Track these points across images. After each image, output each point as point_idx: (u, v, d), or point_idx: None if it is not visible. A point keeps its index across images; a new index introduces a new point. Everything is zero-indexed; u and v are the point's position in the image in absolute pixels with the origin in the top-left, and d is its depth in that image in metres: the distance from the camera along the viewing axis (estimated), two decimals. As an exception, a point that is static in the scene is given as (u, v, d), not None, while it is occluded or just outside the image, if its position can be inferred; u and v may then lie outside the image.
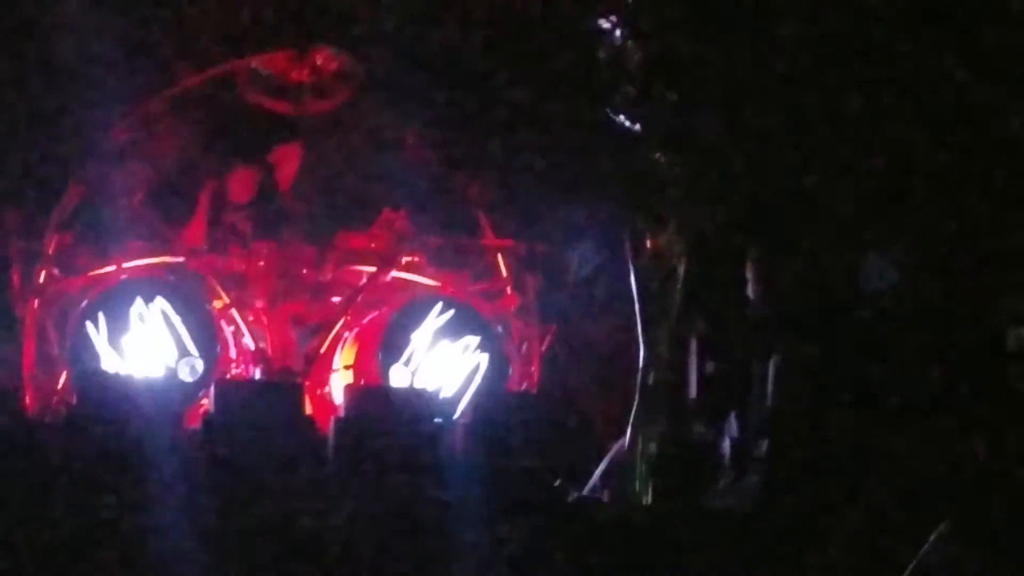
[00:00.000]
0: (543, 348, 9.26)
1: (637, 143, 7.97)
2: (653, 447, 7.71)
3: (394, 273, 9.19)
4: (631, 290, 8.07)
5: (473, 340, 8.84)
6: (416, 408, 7.63)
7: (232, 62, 9.30)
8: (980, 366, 7.52)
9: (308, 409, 8.18)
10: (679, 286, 7.84)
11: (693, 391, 7.88)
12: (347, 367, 8.90)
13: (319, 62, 9.28)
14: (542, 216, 9.57)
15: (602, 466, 7.93)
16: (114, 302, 8.40)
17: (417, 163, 9.53)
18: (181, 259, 8.86)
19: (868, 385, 7.49)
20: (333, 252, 9.18)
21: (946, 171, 7.71)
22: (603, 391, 9.22)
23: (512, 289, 9.36)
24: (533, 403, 8.39)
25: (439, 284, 9.22)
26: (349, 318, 9.02)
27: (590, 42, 8.06)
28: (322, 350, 8.92)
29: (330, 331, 8.96)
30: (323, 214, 9.36)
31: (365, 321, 9.02)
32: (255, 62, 9.31)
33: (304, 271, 9.11)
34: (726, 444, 7.63)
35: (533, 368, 9.19)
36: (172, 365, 8.38)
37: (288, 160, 9.27)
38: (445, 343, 8.80)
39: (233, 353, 8.82)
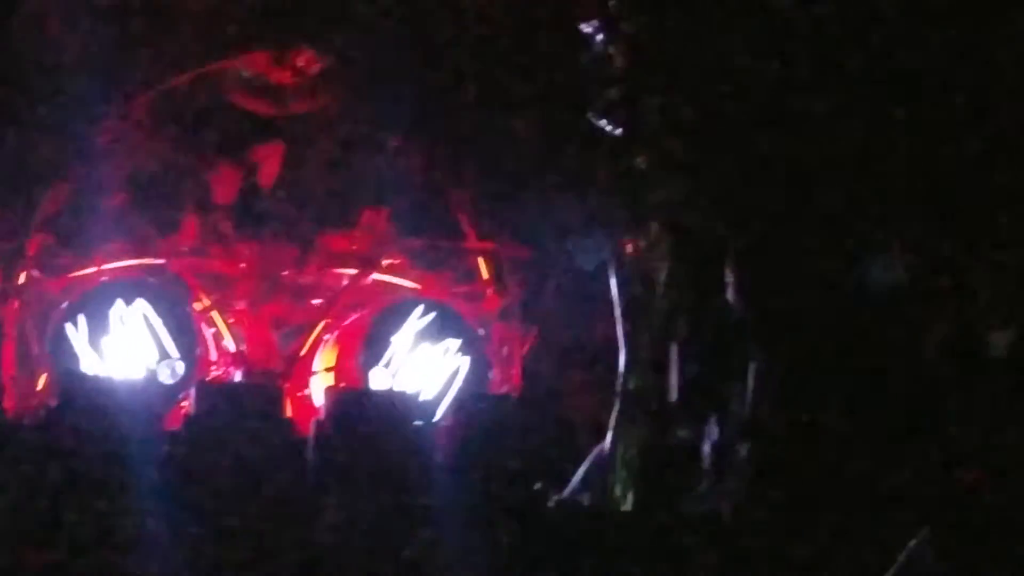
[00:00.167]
0: (524, 351, 9.26)
1: (620, 146, 7.98)
2: (633, 450, 7.72)
3: (375, 275, 9.19)
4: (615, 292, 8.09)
5: (454, 343, 8.84)
6: (396, 410, 7.62)
7: (215, 63, 9.29)
8: (961, 369, 7.55)
9: (288, 411, 8.16)
10: (661, 290, 7.85)
11: (674, 395, 7.89)
12: (328, 369, 8.89)
13: (301, 64, 9.28)
14: (524, 219, 9.56)
15: (583, 469, 7.94)
16: (95, 304, 8.39)
17: (399, 166, 9.52)
18: (162, 261, 8.84)
19: (848, 389, 7.52)
20: (315, 254, 9.17)
21: (929, 175, 7.75)
22: (584, 394, 9.22)
23: (493, 292, 9.36)
24: (514, 406, 8.38)
25: (420, 286, 9.21)
26: (330, 320, 9.01)
27: (574, 46, 8.07)
28: (303, 352, 8.91)
29: (311, 333, 8.96)
30: (305, 216, 9.35)
31: (346, 323, 9.02)
32: (238, 63, 9.30)
33: (285, 273, 9.11)
34: (707, 448, 7.64)
35: (514, 371, 9.19)
36: (152, 367, 8.36)
37: (271, 159, 9.25)
38: (426, 345, 8.79)
39: (214, 355, 8.81)
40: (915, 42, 7.74)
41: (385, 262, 9.23)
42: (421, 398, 8.36)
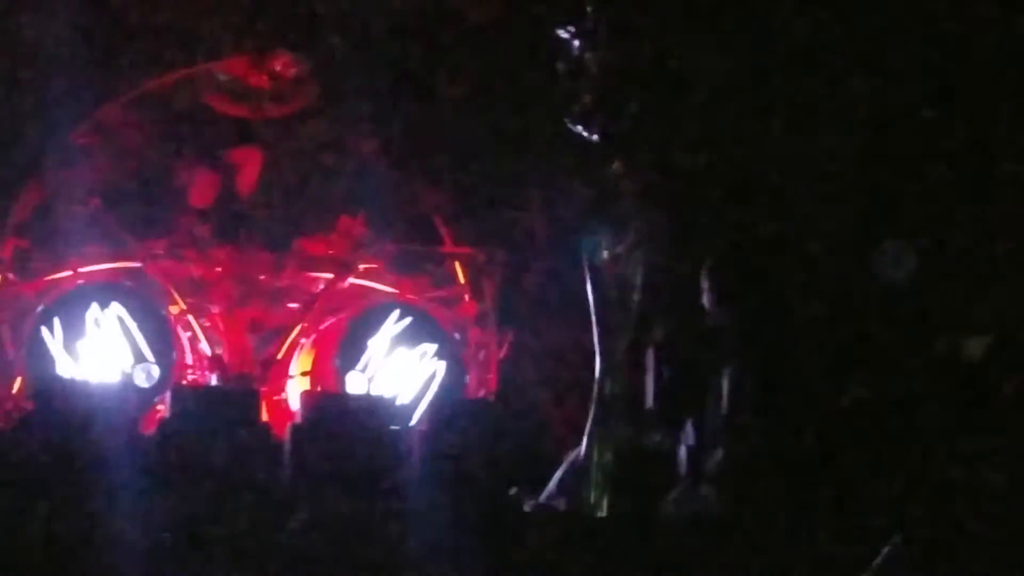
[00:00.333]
0: (500, 355, 9.27)
1: (596, 152, 8.00)
2: (609, 455, 7.74)
3: (352, 280, 9.18)
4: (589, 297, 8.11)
5: (430, 347, 8.85)
6: (373, 415, 7.62)
7: (192, 67, 9.28)
8: (940, 374, 7.59)
9: (264, 415, 8.16)
10: (637, 295, 7.87)
11: (650, 400, 7.91)
12: (304, 373, 8.89)
13: (278, 68, 9.27)
14: (500, 224, 9.59)
15: (558, 474, 7.95)
16: (70, 307, 8.37)
17: (375, 170, 9.53)
18: (138, 264, 8.82)
19: (824, 394, 7.55)
20: (291, 258, 9.17)
21: (910, 182, 7.80)
22: (560, 399, 9.24)
23: (470, 296, 9.37)
24: (490, 410, 8.39)
25: (397, 291, 9.22)
26: (306, 324, 9.01)
27: (549, 52, 8.09)
28: (279, 356, 8.91)
29: (287, 337, 8.95)
30: (281, 220, 9.34)
31: (322, 327, 9.02)
32: (215, 67, 9.29)
33: (262, 277, 9.09)
34: (682, 453, 7.66)
35: (490, 375, 9.20)
36: (128, 370, 8.35)
37: (250, 165, 9.25)
38: (402, 350, 8.80)
39: (189, 359, 8.80)
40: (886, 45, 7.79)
41: (362, 266, 9.23)
42: (397, 402, 8.36)
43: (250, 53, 9.25)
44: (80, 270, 8.67)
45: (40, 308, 8.41)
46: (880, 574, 6.59)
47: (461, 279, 9.46)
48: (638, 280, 7.97)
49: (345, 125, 9.58)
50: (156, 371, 8.39)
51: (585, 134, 7.96)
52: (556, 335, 9.51)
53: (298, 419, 7.87)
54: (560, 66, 8.04)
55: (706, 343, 7.77)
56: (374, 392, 8.60)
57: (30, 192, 8.85)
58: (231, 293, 8.99)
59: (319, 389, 8.67)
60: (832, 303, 7.67)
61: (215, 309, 8.97)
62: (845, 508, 7.13)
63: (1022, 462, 7.13)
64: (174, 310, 8.80)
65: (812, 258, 7.79)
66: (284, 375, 8.91)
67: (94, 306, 8.36)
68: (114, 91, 9.16)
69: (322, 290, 9.15)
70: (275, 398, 8.84)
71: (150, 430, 7.60)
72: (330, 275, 9.16)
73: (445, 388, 8.82)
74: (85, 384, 7.81)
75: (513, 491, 7.50)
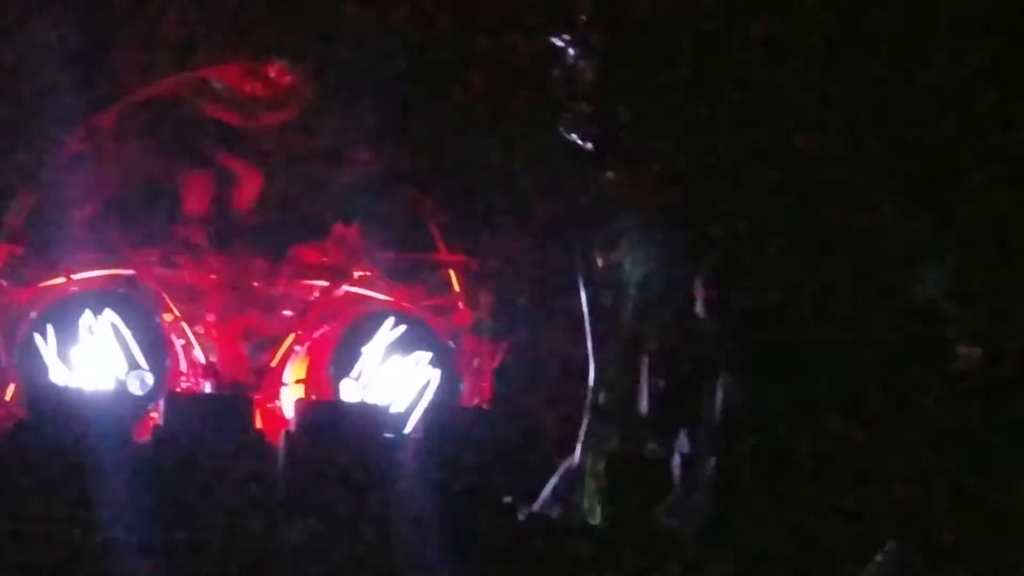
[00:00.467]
0: (495, 364, 9.27)
1: (590, 161, 8.00)
2: (602, 464, 7.74)
3: (346, 287, 9.19)
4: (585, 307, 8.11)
5: (425, 355, 8.85)
6: (367, 423, 7.63)
7: (186, 74, 9.28)
8: (929, 384, 7.60)
9: (258, 423, 8.16)
10: (631, 304, 7.88)
11: (644, 408, 7.91)
12: (298, 381, 8.88)
13: (273, 75, 9.27)
14: (495, 232, 9.59)
15: (552, 482, 7.95)
16: (64, 314, 8.36)
17: (370, 178, 9.53)
18: (132, 272, 8.82)
19: (817, 402, 7.55)
20: (285, 266, 9.16)
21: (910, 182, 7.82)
22: (554, 407, 9.24)
23: (464, 304, 9.37)
24: (484, 419, 8.40)
25: (391, 299, 9.21)
26: (300, 332, 9.00)
27: (544, 61, 8.10)
28: (273, 364, 8.90)
29: (281, 345, 8.94)
30: (276, 228, 9.34)
31: (316, 335, 9.01)
32: (209, 74, 9.29)
33: (256, 285, 9.09)
34: (676, 461, 7.66)
35: (484, 384, 9.20)
36: (122, 378, 8.34)
37: (249, 182, 9.24)
38: (397, 358, 8.80)
39: (183, 366, 8.78)
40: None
41: (356, 274, 9.23)
42: (392, 410, 8.36)
43: (245, 61, 9.25)
44: (74, 277, 8.65)
45: (33, 315, 8.40)
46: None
47: (456, 287, 9.46)
48: (632, 289, 7.97)
49: (340, 133, 9.57)
50: (150, 378, 8.38)
51: (579, 142, 7.97)
52: (550, 343, 9.51)
53: (292, 427, 7.87)
54: (554, 74, 8.05)
55: (700, 352, 7.77)
56: (368, 400, 8.60)
57: (24, 198, 8.84)
58: (225, 301, 8.99)
59: (313, 397, 8.67)
60: (827, 310, 7.68)
61: (209, 316, 8.97)
62: (840, 515, 7.13)
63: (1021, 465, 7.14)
64: (168, 317, 8.79)
65: (807, 265, 7.79)
66: (278, 383, 8.91)
67: (88, 313, 8.35)
68: (109, 98, 9.15)
69: (317, 298, 9.15)
70: (269, 406, 8.83)
71: (144, 437, 7.60)
72: (325, 283, 9.16)
73: (439, 396, 8.81)
74: (79, 391, 7.81)
75: (507, 499, 7.49)
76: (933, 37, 7.76)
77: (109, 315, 8.37)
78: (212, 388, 8.72)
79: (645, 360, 7.97)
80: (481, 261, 9.42)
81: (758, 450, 7.35)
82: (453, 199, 9.64)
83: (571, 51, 7.97)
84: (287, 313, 9.14)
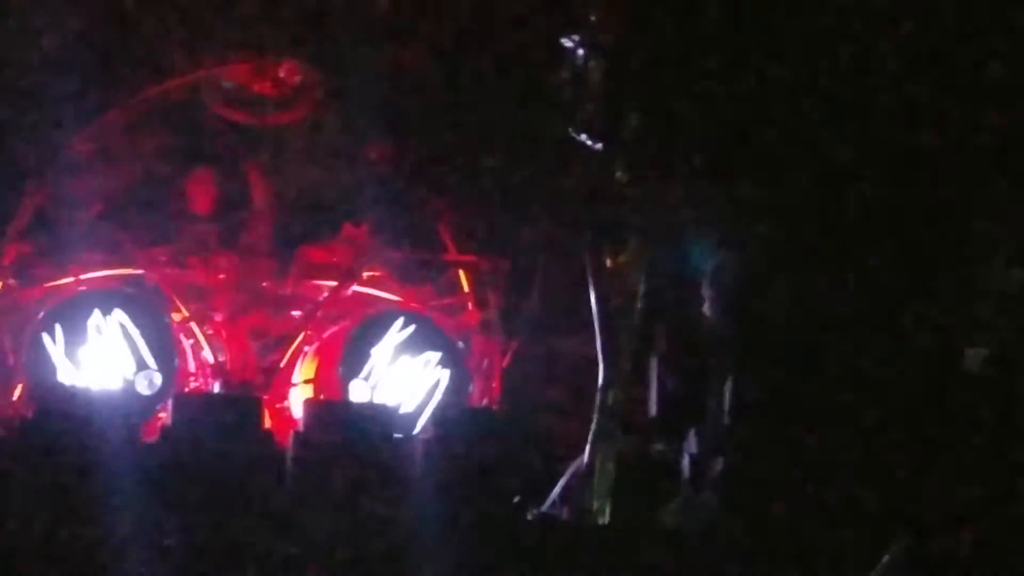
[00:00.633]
0: (504, 364, 9.25)
1: (599, 161, 7.98)
2: (611, 464, 7.72)
3: (355, 287, 9.17)
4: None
5: (434, 355, 8.83)
6: (376, 423, 7.60)
7: (194, 73, 9.27)
8: (937, 387, 7.58)
9: (267, 423, 8.14)
10: (640, 304, 7.86)
11: (653, 409, 7.90)
12: (307, 381, 8.87)
13: (282, 74, 9.27)
14: (505, 232, 9.58)
15: (562, 483, 7.94)
16: (71, 314, 8.35)
17: (380, 177, 9.51)
18: (140, 271, 8.81)
19: (825, 404, 7.53)
20: (294, 266, 9.15)
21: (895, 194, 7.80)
22: (563, 408, 9.22)
23: (474, 304, 9.35)
24: (494, 419, 8.38)
25: (400, 299, 9.20)
26: (309, 332, 8.99)
27: (553, 59, 8.08)
28: (282, 364, 8.89)
29: (290, 345, 8.93)
30: (285, 227, 9.33)
31: (326, 335, 9.00)
32: (218, 73, 9.29)
33: (265, 284, 9.09)
34: (685, 462, 7.65)
35: (494, 384, 9.18)
36: (130, 378, 8.33)
37: (259, 181, 9.25)
38: (406, 358, 8.79)
39: (192, 366, 8.78)
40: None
41: (365, 274, 9.22)
42: (401, 411, 8.35)
43: (254, 59, 9.25)
44: (82, 276, 8.65)
45: (41, 314, 8.39)
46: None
47: (465, 287, 9.45)
48: (642, 289, 7.95)
49: (350, 132, 9.56)
50: (158, 378, 8.37)
51: (589, 142, 7.95)
52: (559, 344, 9.49)
53: (301, 427, 7.86)
54: (564, 74, 8.03)
55: (708, 353, 7.75)
56: (377, 400, 8.59)
57: (32, 198, 8.84)
58: (234, 300, 8.98)
59: (322, 397, 8.65)
60: (836, 311, 7.66)
61: (218, 316, 8.96)
62: (847, 516, 7.11)
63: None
64: (177, 317, 8.78)
65: (816, 266, 7.77)
66: (287, 383, 8.90)
67: (96, 313, 8.34)
68: (117, 97, 9.15)
69: (326, 298, 9.14)
70: (278, 406, 8.82)
71: (152, 437, 7.58)
72: (334, 283, 9.14)
73: (449, 397, 8.80)
74: (86, 391, 7.79)
75: (517, 499, 7.48)
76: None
77: (117, 315, 8.36)
78: (221, 388, 8.71)
79: (654, 361, 7.95)
80: (491, 261, 9.41)
81: (766, 451, 7.34)
82: (463, 199, 9.63)
83: (580, 51, 7.95)
84: (296, 313, 9.14)
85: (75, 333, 8.30)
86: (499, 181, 9.48)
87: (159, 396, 8.28)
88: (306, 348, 8.97)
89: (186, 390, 8.58)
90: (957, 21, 7.74)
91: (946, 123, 7.78)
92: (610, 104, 7.83)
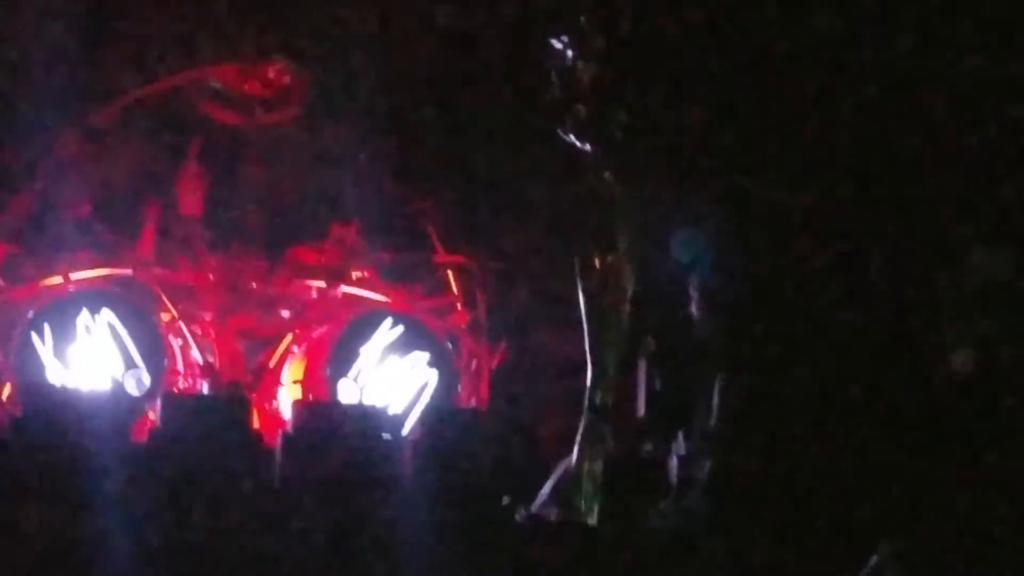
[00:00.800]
0: (492, 365, 9.26)
1: (588, 163, 8.00)
2: (599, 465, 7.74)
3: (344, 288, 9.17)
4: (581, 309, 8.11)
5: (422, 356, 8.84)
6: (364, 424, 7.60)
7: (183, 74, 9.27)
8: (925, 388, 7.60)
9: (255, 423, 8.14)
10: (629, 305, 7.88)
11: (641, 410, 7.91)
12: (295, 382, 8.87)
13: (271, 75, 9.27)
14: (493, 232, 9.59)
15: (550, 483, 7.95)
16: (60, 313, 8.34)
17: (368, 178, 9.52)
18: (129, 271, 8.80)
19: (813, 405, 7.55)
20: (283, 266, 9.16)
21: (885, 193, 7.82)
22: (552, 408, 9.24)
23: (462, 305, 9.36)
24: (482, 420, 8.38)
25: (389, 300, 9.21)
26: (298, 332, 8.99)
27: (543, 61, 8.10)
28: (270, 364, 8.89)
29: (278, 345, 8.93)
30: (273, 228, 9.33)
31: (314, 336, 9.00)
32: (207, 74, 9.28)
33: (253, 285, 9.08)
34: (673, 462, 7.66)
35: (482, 385, 9.19)
36: (118, 377, 8.32)
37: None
38: (394, 359, 8.79)
39: (180, 366, 8.77)
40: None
41: (354, 274, 9.23)
42: (389, 411, 8.34)
43: (242, 60, 9.25)
44: (71, 276, 8.64)
45: (30, 314, 8.38)
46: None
47: (453, 288, 9.46)
48: (630, 290, 7.97)
49: (338, 133, 9.57)
50: (147, 378, 8.37)
51: (579, 144, 7.97)
52: (548, 344, 9.51)
53: (289, 427, 7.86)
54: (553, 76, 8.04)
55: (697, 353, 7.77)
56: (366, 401, 8.59)
57: (20, 198, 8.83)
58: (222, 301, 8.98)
59: (310, 397, 8.65)
60: (824, 313, 7.68)
61: (206, 316, 8.95)
62: (836, 517, 7.13)
63: (1013, 475, 7.14)
64: (165, 317, 8.78)
65: (805, 269, 7.79)
66: (275, 383, 8.89)
67: (85, 312, 8.33)
68: (105, 97, 9.14)
69: (314, 298, 9.14)
70: (266, 406, 8.82)
71: (140, 437, 7.58)
72: (322, 283, 9.14)
73: (437, 397, 8.80)
74: (75, 391, 7.78)
75: (505, 501, 7.49)
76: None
77: (106, 314, 8.35)
78: (209, 388, 8.71)
79: (643, 362, 7.97)
80: (479, 262, 9.42)
81: (754, 451, 7.35)
82: (451, 199, 9.64)
83: (570, 52, 7.97)
84: (284, 313, 9.14)
85: (64, 333, 8.29)
86: (488, 182, 9.49)
87: (148, 396, 8.27)
88: (294, 348, 8.97)
89: (174, 390, 8.57)
90: (935, 20, 7.78)
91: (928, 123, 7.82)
92: (600, 106, 7.84)
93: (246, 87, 9.26)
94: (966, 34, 7.68)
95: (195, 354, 8.80)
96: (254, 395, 8.59)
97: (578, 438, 7.92)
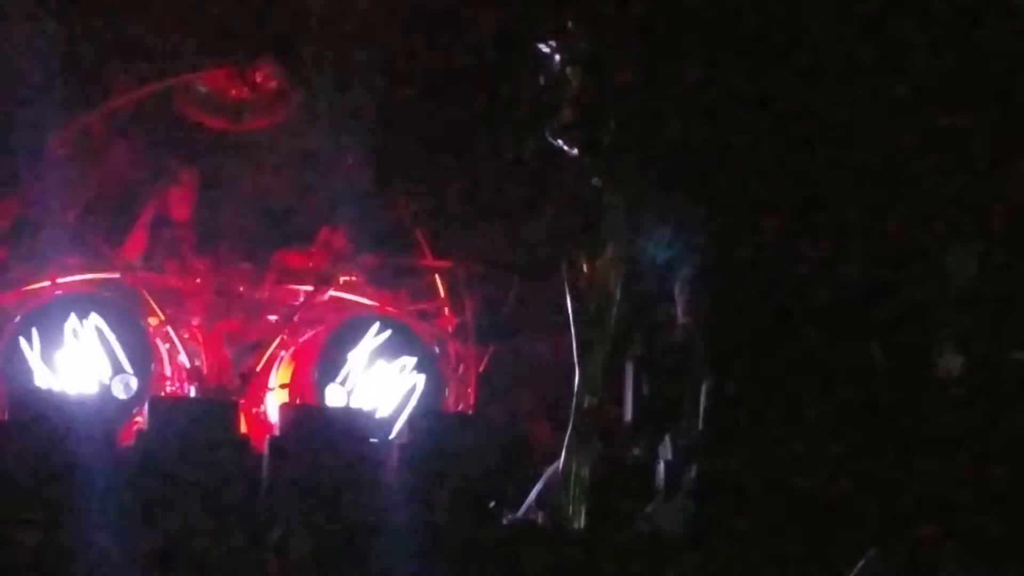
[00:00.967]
0: (480, 369, 9.27)
1: (575, 167, 8.01)
2: (586, 470, 7.74)
3: (331, 292, 9.18)
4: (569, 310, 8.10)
5: (410, 360, 8.85)
6: (352, 428, 7.62)
7: (171, 78, 9.26)
8: (913, 388, 7.62)
9: (243, 427, 8.15)
10: (616, 310, 7.88)
11: (628, 414, 7.91)
12: (283, 386, 8.87)
13: (259, 80, 9.28)
14: (481, 237, 9.59)
15: (537, 488, 7.95)
16: (48, 317, 8.33)
17: (356, 182, 9.52)
18: (116, 275, 8.80)
19: (801, 407, 7.57)
20: (270, 270, 9.16)
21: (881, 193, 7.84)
22: (539, 413, 9.24)
23: (450, 309, 9.37)
24: (469, 424, 8.40)
25: (376, 304, 9.22)
26: (285, 337, 9.00)
27: (530, 65, 8.10)
28: (258, 368, 8.89)
29: (266, 349, 8.94)
30: (261, 232, 9.33)
31: (301, 340, 9.00)
32: (194, 78, 9.28)
33: (241, 289, 9.09)
34: (660, 467, 7.67)
35: (470, 389, 9.20)
36: (106, 382, 8.32)
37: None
38: (382, 363, 8.80)
39: (168, 370, 8.77)
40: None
41: (342, 279, 9.23)
42: (377, 415, 8.35)
43: (230, 64, 9.24)
44: (58, 280, 8.63)
45: (18, 318, 8.37)
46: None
47: (441, 292, 9.47)
48: (618, 295, 7.97)
49: (326, 137, 9.57)
50: (134, 382, 8.36)
51: (566, 148, 7.97)
52: (535, 349, 9.51)
53: (277, 432, 7.86)
54: (541, 80, 8.05)
55: (684, 358, 7.78)
56: (353, 405, 8.59)
57: (7, 202, 8.82)
58: (210, 305, 8.98)
59: (298, 402, 8.66)
60: (812, 316, 7.70)
61: (194, 321, 8.96)
62: (825, 517, 7.15)
63: (1003, 478, 7.16)
64: (153, 321, 8.78)
65: (792, 272, 7.81)
66: (263, 387, 8.90)
67: (72, 317, 8.32)
68: (93, 102, 9.13)
69: (302, 303, 9.14)
70: (254, 410, 8.82)
71: (128, 442, 7.58)
72: (310, 288, 9.15)
73: (425, 402, 8.81)
74: (63, 395, 7.79)
75: (492, 505, 7.49)
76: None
77: (94, 319, 8.35)
78: (197, 392, 8.71)
79: (630, 366, 7.97)
80: (466, 267, 9.42)
81: (742, 455, 7.36)
82: (439, 204, 9.65)
83: (557, 57, 7.97)
84: (272, 318, 9.14)
85: (51, 337, 8.28)
86: (476, 186, 9.49)
87: (135, 400, 8.27)
88: (282, 353, 8.98)
89: (162, 394, 8.56)
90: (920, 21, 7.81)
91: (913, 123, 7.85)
92: (587, 110, 7.85)
93: (233, 92, 9.26)
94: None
95: (183, 358, 8.80)
96: (242, 399, 8.59)
97: (565, 443, 7.91)
